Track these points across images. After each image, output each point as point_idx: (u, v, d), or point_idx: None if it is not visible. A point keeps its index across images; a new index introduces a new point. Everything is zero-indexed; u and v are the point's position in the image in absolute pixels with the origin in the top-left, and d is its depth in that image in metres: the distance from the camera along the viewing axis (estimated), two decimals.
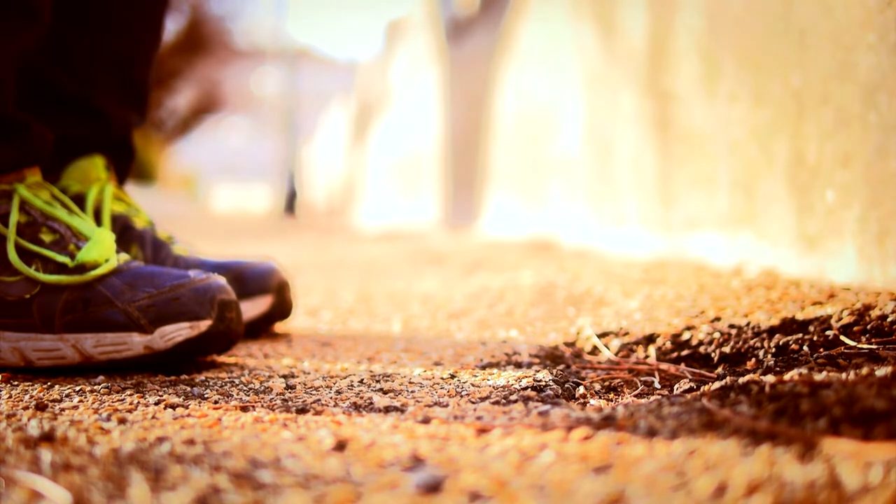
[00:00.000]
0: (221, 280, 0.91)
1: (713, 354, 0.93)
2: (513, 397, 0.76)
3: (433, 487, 0.50)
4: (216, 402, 0.74)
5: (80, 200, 1.05)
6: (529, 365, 0.92)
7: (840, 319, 0.90)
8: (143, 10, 1.13)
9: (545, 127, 2.62)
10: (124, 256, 0.93)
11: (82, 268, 0.89)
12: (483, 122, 3.41)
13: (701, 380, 0.83)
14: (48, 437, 0.61)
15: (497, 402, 0.74)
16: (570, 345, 1.04)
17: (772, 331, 0.93)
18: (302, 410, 0.71)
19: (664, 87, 1.73)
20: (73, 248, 0.90)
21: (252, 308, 1.11)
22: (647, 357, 0.96)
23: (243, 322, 0.93)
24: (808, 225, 1.21)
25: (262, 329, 1.16)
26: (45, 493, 0.49)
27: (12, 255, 0.88)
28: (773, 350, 0.88)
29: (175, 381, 0.83)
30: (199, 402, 0.74)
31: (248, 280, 1.11)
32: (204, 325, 0.87)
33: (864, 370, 0.67)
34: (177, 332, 0.86)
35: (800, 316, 0.95)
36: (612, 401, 0.80)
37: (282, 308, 1.15)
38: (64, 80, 1.08)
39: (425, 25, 4.66)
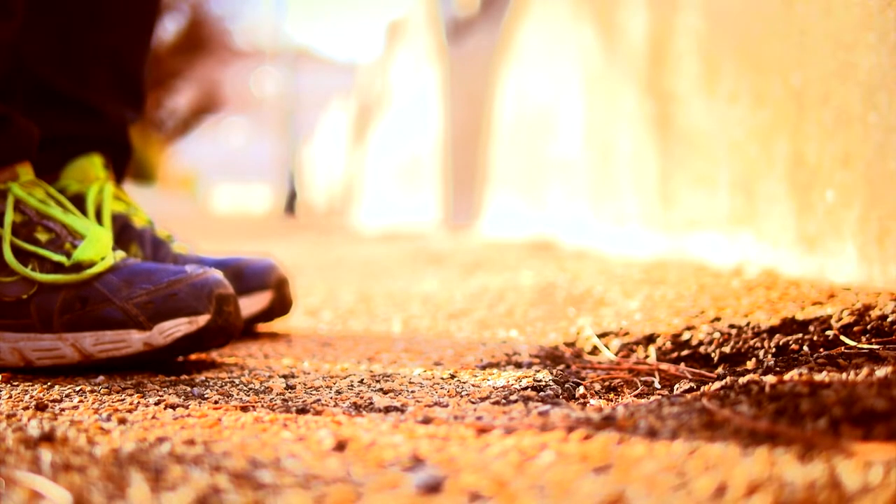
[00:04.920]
0: (218, 275, 0.90)
1: (713, 354, 0.93)
2: (513, 397, 0.76)
3: (433, 487, 0.50)
4: (216, 402, 0.74)
5: (79, 200, 1.05)
6: (529, 365, 0.92)
7: (840, 319, 0.90)
8: (136, 5, 1.12)
9: (545, 127, 2.62)
10: (121, 254, 0.92)
11: (79, 266, 0.88)
12: (483, 122, 3.40)
13: (701, 380, 0.83)
14: (48, 437, 0.61)
15: (497, 402, 0.74)
16: (570, 345, 1.04)
17: (772, 331, 0.93)
18: (302, 410, 0.71)
19: (664, 87, 1.73)
20: (69, 246, 0.90)
21: (252, 304, 1.11)
22: (647, 357, 0.96)
23: (241, 316, 0.93)
24: (808, 225, 1.21)
25: (262, 325, 1.16)
26: (45, 493, 0.49)
27: (8, 256, 0.88)
28: (773, 350, 0.88)
29: (175, 381, 0.83)
30: (199, 402, 0.74)
31: (247, 276, 1.11)
32: (202, 319, 0.87)
33: (864, 370, 0.67)
34: (175, 327, 0.86)
35: (800, 316, 0.95)
36: (612, 401, 0.80)
37: (282, 304, 1.15)
38: (57, 78, 1.07)
39: (425, 25, 4.66)
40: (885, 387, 0.60)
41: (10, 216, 0.90)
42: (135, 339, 0.86)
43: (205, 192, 23.98)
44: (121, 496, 0.49)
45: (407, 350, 1.03)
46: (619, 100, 2.00)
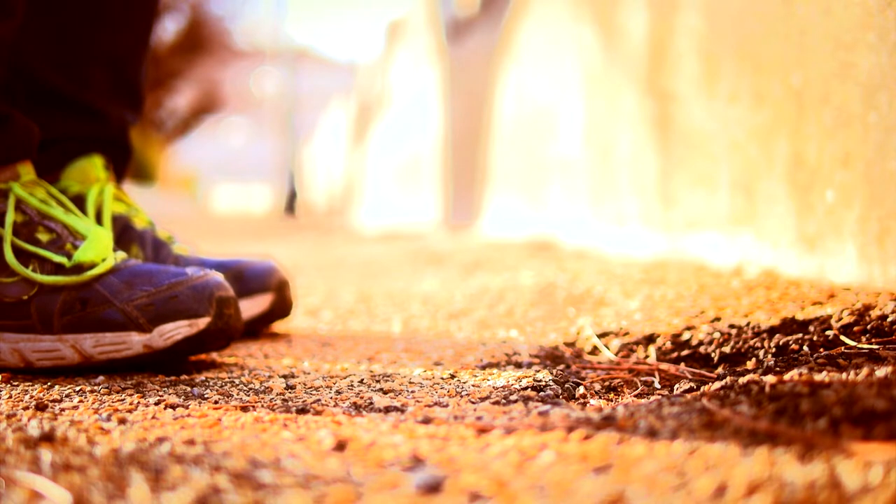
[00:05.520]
0: (219, 277, 0.90)
1: (713, 354, 0.93)
2: (513, 397, 0.76)
3: (433, 487, 0.50)
4: (216, 402, 0.74)
5: (80, 201, 1.04)
6: (529, 365, 0.92)
7: (840, 319, 0.90)
8: (135, 7, 1.13)
9: (545, 127, 2.62)
10: (121, 255, 0.92)
11: (79, 268, 0.88)
12: (483, 122, 3.40)
13: (701, 380, 0.83)
14: (48, 437, 0.61)
15: (497, 402, 0.74)
16: (570, 345, 1.04)
17: (772, 331, 0.93)
18: (302, 410, 0.71)
19: (664, 87, 1.73)
20: (70, 247, 0.90)
21: (252, 306, 1.11)
22: (647, 357, 0.96)
23: (242, 319, 0.93)
24: (808, 225, 1.21)
25: (262, 328, 1.16)
26: (45, 493, 0.49)
27: (9, 257, 0.88)
28: (773, 350, 0.88)
29: (175, 381, 0.83)
30: (199, 402, 0.74)
31: (248, 278, 1.11)
32: (203, 322, 0.87)
33: (864, 370, 0.67)
34: (176, 330, 0.86)
35: (800, 316, 0.95)
36: (612, 401, 0.80)
37: (282, 306, 1.15)
38: (57, 79, 1.08)
39: (425, 25, 4.66)
40: (885, 387, 0.60)
41: (10, 216, 0.90)
42: (135, 342, 0.86)
43: (205, 193, 23.99)
44: (121, 496, 0.49)
45: (407, 350, 1.03)
46: (619, 100, 2.00)
